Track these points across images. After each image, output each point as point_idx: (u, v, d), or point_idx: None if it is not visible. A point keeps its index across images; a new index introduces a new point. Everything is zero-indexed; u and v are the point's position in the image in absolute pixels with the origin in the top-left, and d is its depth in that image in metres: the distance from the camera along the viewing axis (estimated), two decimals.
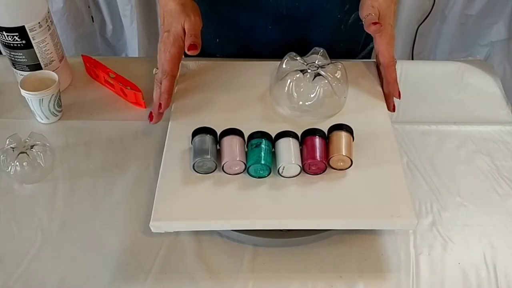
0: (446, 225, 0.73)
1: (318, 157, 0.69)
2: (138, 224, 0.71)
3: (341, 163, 0.70)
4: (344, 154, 0.69)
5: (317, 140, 0.71)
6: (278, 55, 0.85)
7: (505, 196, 0.77)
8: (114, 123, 0.85)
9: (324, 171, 0.70)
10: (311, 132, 0.72)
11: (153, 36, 1.78)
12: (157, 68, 0.79)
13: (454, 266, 0.69)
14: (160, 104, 0.77)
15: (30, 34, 0.81)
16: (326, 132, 0.73)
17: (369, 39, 1.03)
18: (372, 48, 1.06)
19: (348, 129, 0.72)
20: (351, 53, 1.01)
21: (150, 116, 0.78)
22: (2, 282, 0.66)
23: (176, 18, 0.77)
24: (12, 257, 0.68)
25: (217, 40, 0.97)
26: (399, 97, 0.80)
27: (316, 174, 0.70)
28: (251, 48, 0.97)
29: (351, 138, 0.72)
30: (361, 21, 0.95)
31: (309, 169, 0.70)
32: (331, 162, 0.70)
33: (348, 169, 0.71)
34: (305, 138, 0.72)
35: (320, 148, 0.70)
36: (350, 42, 0.98)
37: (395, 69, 0.80)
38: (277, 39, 0.94)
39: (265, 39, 0.95)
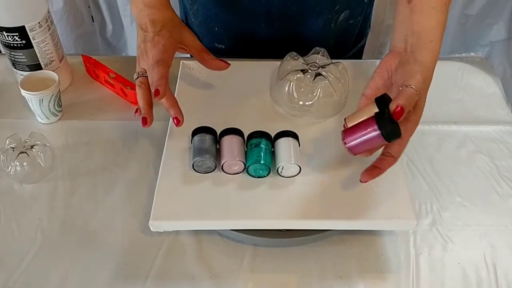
0: (446, 225, 0.73)
1: None
2: (138, 224, 0.71)
3: None
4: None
5: None
6: (271, 52, 0.86)
7: (505, 196, 0.77)
8: (114, 123, 0.85)
9: None
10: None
11: None
12: (138, 72, 0.74)
13: (454, 266, 0.69)
14: (157, 90, 0.69)
15: (30, 34, 0.81)
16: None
17: (360, 37, 1.04)
18: (363, 46, 1.07)
19: None
20: (342, 50, 1.03)
21: (143, 120, 0.72)
22: (2, 282, 0.66)
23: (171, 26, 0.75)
24: (12, 257, 0.68)
25: (216, 28, 0.98)
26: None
27: None
28: (246, 43, 0.98)
29: None
30: (351, 20, 0.96)
31: None
32: None
33: (347, 170, 0.71)
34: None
35: None
36: (340, 39, 1.00)
37: (391, 164, 0.65)
38: (270, 37, 0.96)
39: (258, 36, 0.96)
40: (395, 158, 0.65)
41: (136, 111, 0.73)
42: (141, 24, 0.75)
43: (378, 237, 0.71)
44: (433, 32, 0.67)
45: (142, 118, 0.72)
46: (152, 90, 0.70)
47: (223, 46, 1.01)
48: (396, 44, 0.68)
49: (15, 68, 0.86)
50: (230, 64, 0.79)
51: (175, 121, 0.71)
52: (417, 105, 0.64)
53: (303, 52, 0.82)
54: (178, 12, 1.07)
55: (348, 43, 1.03)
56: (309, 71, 0.78)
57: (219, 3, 0.93)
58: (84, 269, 0.67)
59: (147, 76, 0.72)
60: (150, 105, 0.72)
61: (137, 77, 0.73)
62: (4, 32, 0.80)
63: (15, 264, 0.68)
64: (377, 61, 0.88)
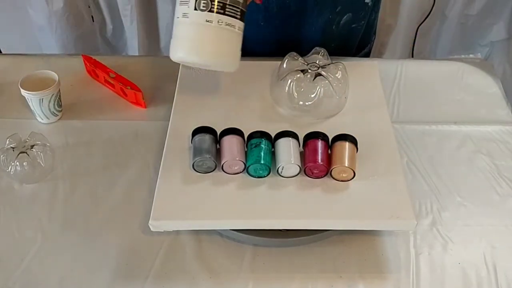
0: (446, 225, 0.73)
1: (319, 161, 0.69)
2: (138, 224, 0.71)
3: (344, 174, 0.69)
4: (346, 165, 0.68)
5: (319, 144, 0.70)
6: (270, 52, 0.85)
7: (505, 196, 0.77)
8: (114, 123, 0.85)
9: (326, 174, 0.70)
10: (314, 135, 0.71)
11: (153, 36, 1.78)
12: None
13: (454, 266, 0.69)
14: None
15: None
16: (329, 137, 0.72)
17: (363, 43, 1.03)
18: (368, 53, 1.06)
19: (352, 140, 0.71)
20: (344, 55, 1.01)
21: None
22: (2, 282, 0.66)
23: None
24: (12, 257, 0.68)
25: None
26: None
27: (318, 177, 0.70)
28: (245, 42, 0.97)
29: (355, 149, 0.71)
30: (354, 23, 0.95)
31: (312, 173, 0.70)
32: (333, 173, 0.69)
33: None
34: (307, 141, 0.71)
35: (322, 152, 0.70)
36: (342, 43, 0.98)
37: None
38: (269, 36, 0.95)
39: (257, 34, 0.95)
40: None
41: None
42: None
43: (378, 237, 0.71)
44: None
45: None
46: None
47: None
48: None
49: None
50: None
51: None
52: None
53: (304, 55, 0.82)
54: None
55: (350, 48, 1.02)
56: (309, 71, 0.78)
57: None
58: (84, 269, 0.67)
59: None
60: None
61: None
62: None
63: (15, 264, 0.68)
64: (377, 61, 0.88)
